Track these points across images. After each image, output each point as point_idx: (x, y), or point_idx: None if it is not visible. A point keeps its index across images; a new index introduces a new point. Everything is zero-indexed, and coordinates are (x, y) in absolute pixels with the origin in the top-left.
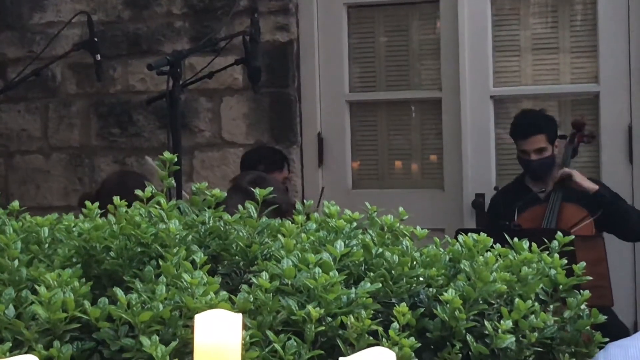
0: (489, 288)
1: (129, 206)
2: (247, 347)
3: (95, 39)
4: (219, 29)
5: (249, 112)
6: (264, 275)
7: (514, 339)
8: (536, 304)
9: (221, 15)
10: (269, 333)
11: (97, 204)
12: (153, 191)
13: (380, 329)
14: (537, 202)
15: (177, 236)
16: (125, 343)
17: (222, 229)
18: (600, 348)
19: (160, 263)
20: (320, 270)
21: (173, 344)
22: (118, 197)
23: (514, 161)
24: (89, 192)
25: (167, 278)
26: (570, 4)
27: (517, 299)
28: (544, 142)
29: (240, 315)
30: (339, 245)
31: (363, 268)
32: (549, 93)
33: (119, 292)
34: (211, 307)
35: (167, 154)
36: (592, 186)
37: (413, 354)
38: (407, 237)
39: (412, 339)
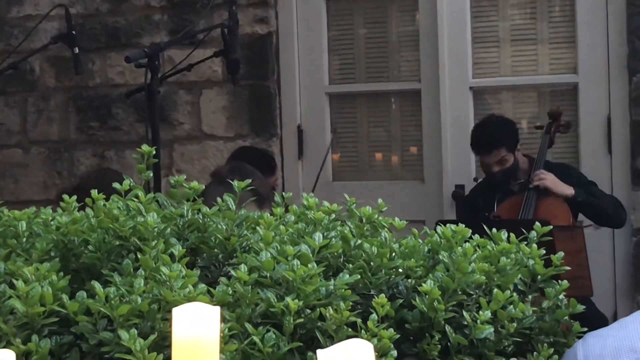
0: (467, 279)
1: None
2: (225, 339)
3: (74, 32)
4: (198, 22)
5: (228, 105)
6: (243, 267)
7: (492, 329)
8: (514, 294)
9: (200, 8)
10: (248, 325)
11: (74, 197)
12: (131, 184)
13: (359, 320)
14: (514, 193)
15: (156, 229)
16: (104, 337)
17: (200, 221)
18: (579, 338)
19: (139, 256)
20: (299, 262)
21: (152, 337)
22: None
23: None
24: (67, 188)
25: (145, 271)
26: None
27: (495, 290)
28: (504, 153)
29: (218, 308)
30: (318, 237)
31: (342, 260)
32: (527, 84)
33: (97, 285)
34: (190, 300)
35: (145, 147)
36: (568, 191)
37: (392, 345)
38: (385, 229)
39: (391, 330)
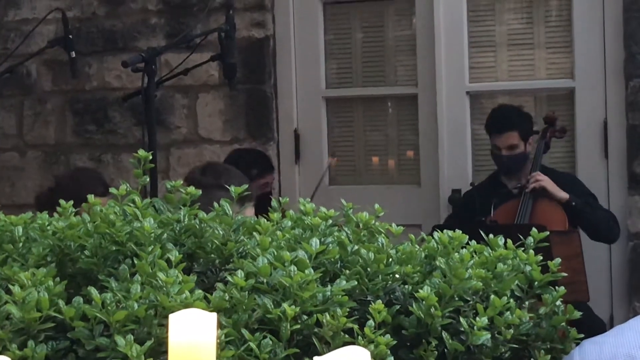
0: (464, 285)
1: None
2: (222, 346)
3: (70, 36)
4: (195, 26)
5: (225, 109)
6: (240, 273)
7: (489, 335)
8: (511, 300)
9: (197, 12)
10: (244, 331)
11: (71, 202)
12: (128, 189)
13: (355, 326)
14: (511, 198)
15: (152, 234)
16: (100, 342)
17: (197, 227)
18: (576, 344)
19: (135, 262)
20: (296, 268)
21: (148, 343)
22: (72, 194)
23: (490, 157)
24: (44, 190)
25: (142, 277)
26: (545, 0)
27: (492, 296)
28: (516, 139)
29: (214, 314)
30: (315, 242)
31: (339, 265)
32: (524, 89)
33: (93, 291)
34: (186, 305)
35: (141, 152)
36: (563, 195)
37: (389, 352)
38: (382, 234)
39: (388, 336)
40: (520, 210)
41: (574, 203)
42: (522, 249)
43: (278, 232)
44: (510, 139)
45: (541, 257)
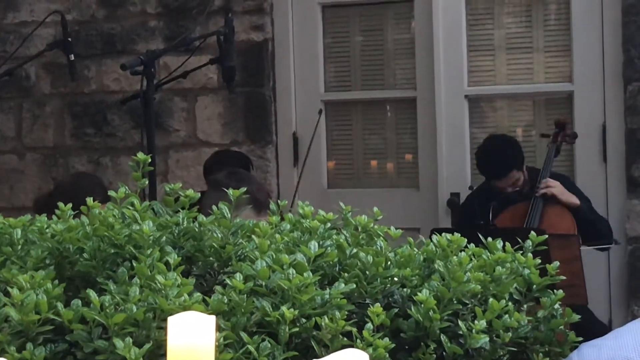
0: (463, 288)
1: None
2: (221, 348)
3: (69, 39)
4: (194, 29)
5: (224, 112)
6: (238, 276)
7: (487, 338)
8: (510, 303)
9: (195, 15)
10: (243, 334)
11: (69, 205)
12: (126, 192)
13: (354, 329)
14: (517, 201)
15: (151, 237)
16: (99, 345)
17: (196, 230)
18: (574, 347)
19: (134, 264)
20: (295, 271)
21: (147, 346)
22: (71, 198)
23: None
24: (42, 194)
25: (140, 279)
26: (544, 4)
27: (491, 299)
28: (516, 174)
29: (213, 317)
30: (313, 245)
31: (337, 269)
32: (523, 92)
33: (92, 293)
34: (185, 308)
35: (140, 155)
36: (575, 201)
37: (387, 355)
38: (381, 237)
39: (387, 339)
40: (529, 214)
41: (583, 211)
42: (521, 252)
43: (277, 235)
44: (511, 179)
45: (540, 261)
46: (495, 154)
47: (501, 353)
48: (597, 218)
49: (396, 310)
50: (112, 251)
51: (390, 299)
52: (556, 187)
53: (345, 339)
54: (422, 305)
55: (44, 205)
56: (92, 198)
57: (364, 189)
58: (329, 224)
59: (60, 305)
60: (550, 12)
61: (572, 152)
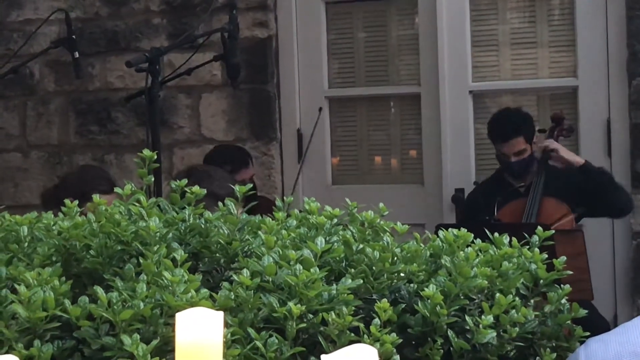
0: (469, 283)
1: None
2: (228, 344)
3: (73, 37)
4: (197, 26)
5: (228, 109)
6: (245, 272)
7: (495, 333)
8: (517, 298)
9: (199, 12)
10: (250, 330)
11: (76, 202)
12: (132, 188)
13: (361, 325)
14: (517, 196)
15: (158, 234)
16: (106, 342)
17: (202, 226)
18: (581, 342)
19: (141, 261)
20: (301, 267)
21: (154, 342)
22: (78, 189)
23: (493, 156)
24: (49, 188)
25: (147, 276)
26: None
27: (497, 294)
28: (523, 143)
29: (221, 313)
30: (320, 241)
31: (344, 264)
32: (527, 87)
33: (99, 290)
34: (192, 305)
35: (146, 152)
36: (578, 160)
37: (394, 350)
38: (387, 233)
39: (394, 335)
40: (527, 209)
41: (590, 169)
42: (527, 247)
43: (283, 231)
44: (517, 145)
45: (546, 256)
46: (504, 117)
47: (508, 348)
48: (612, 182)
49: (403, 305)
50: (119, 248)
51: (397, 295)
52: (558, 147)
53: (352, 334)
54: (429, 301)
55: (50, 199)
56: (97, 189)
57: (368, 185)
58: (335, 220)
59: (67, 302)
60: (554, 6)
61: (576, 147)
